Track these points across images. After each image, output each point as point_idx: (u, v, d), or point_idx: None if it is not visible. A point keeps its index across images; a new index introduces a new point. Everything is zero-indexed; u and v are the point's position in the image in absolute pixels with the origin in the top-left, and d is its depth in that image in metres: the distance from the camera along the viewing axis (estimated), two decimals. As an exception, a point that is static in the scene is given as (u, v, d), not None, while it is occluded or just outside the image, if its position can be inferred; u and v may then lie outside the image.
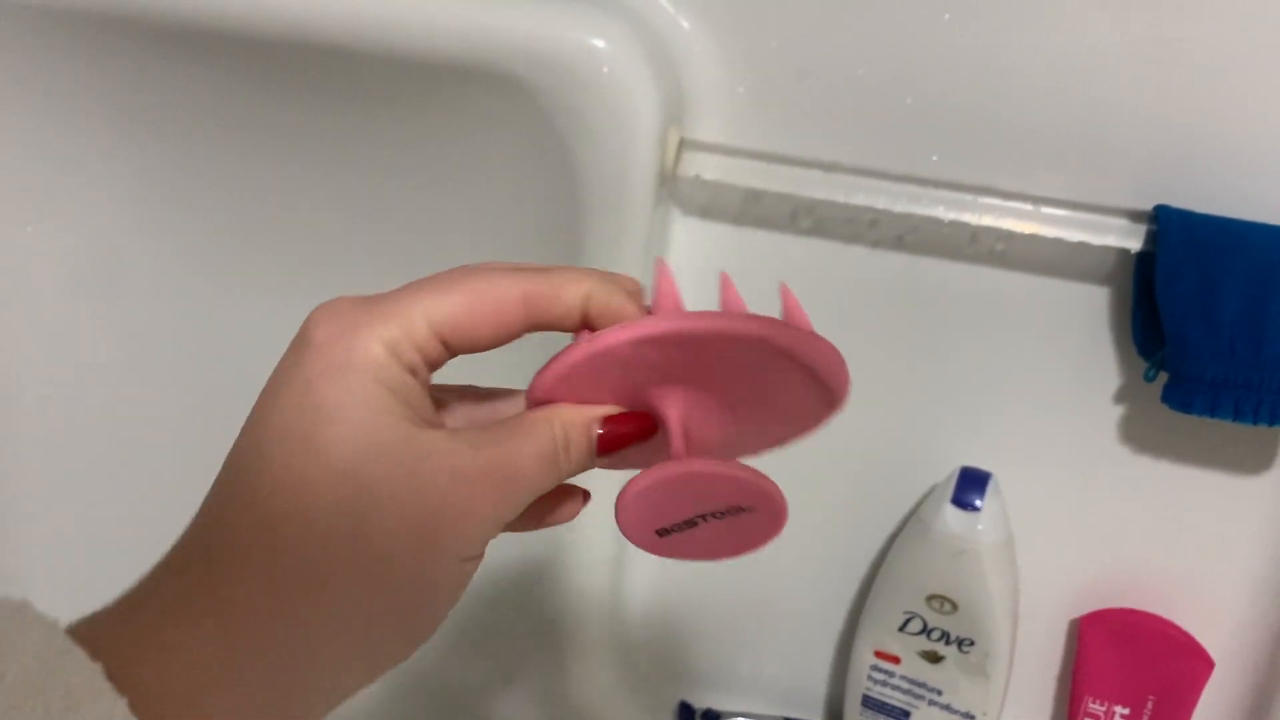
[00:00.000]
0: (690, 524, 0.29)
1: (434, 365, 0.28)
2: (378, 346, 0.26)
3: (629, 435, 0.29)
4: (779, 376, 0.28)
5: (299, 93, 0.55)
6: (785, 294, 0.29)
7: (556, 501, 0.31)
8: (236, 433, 0.27)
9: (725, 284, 0.30)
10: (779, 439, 0.31)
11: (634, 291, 0.29)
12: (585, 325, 0.28)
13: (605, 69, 0.47)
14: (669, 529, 0.29)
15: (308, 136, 0.57)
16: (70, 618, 0.23)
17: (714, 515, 0.29)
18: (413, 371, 0.27)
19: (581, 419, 0.28)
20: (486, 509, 0.26)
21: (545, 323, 0.28)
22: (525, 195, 0.53)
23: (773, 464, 0.59)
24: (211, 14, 0.50)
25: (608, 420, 0.29)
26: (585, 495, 0.32)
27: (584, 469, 0.29)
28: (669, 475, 0.27)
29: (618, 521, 0.29)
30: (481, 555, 0.27)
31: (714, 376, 0.28)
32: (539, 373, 0.28)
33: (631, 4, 0.50)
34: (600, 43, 0.47)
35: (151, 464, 0.63)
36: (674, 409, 0.29)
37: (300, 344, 0.26)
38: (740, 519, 0.29)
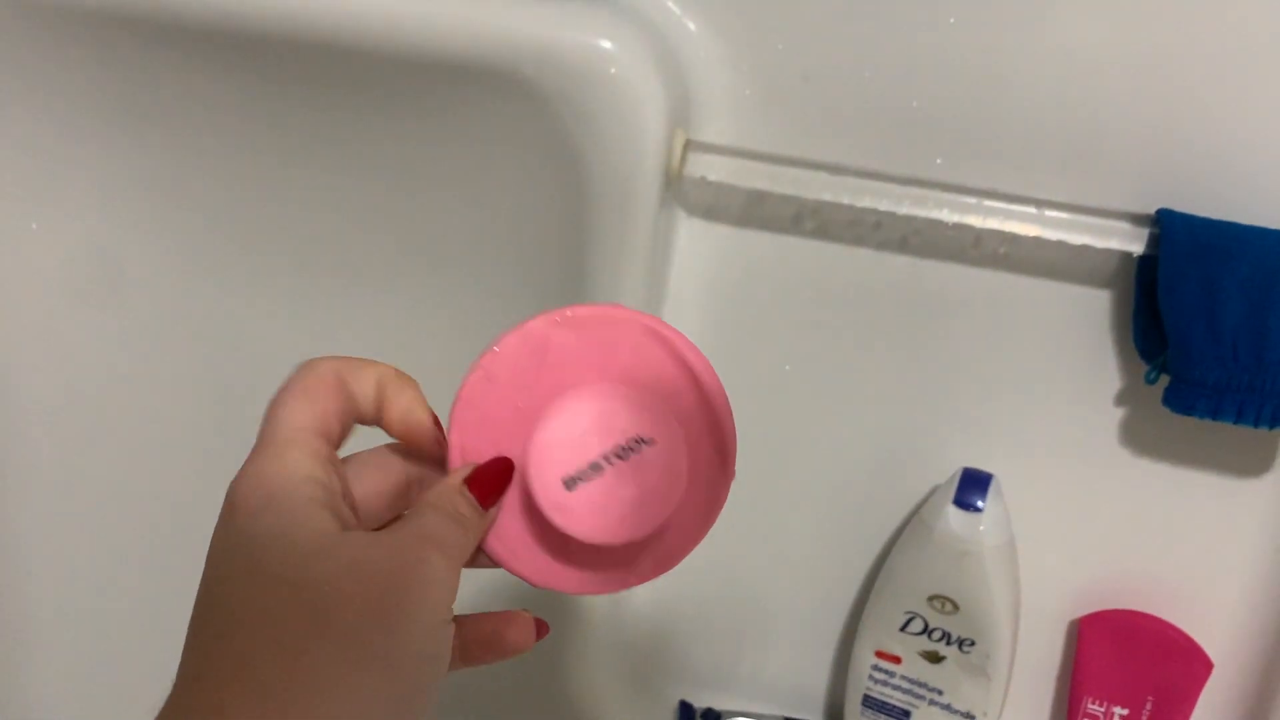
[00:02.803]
0: (595, 469, 0.30)
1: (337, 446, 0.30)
2: (295, 467, 0.28)
3: (496, 479, 0.31)
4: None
5: (305, 92, 0.55)
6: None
7: (503, 627, 0.32)
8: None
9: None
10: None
11: (416, 386, 0.32)
12: (379, 412, 0.31)
13: (612, 70, 0.47)
14: (575, 477, 0.30)
15: (312, 136, 0.57)
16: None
17: (615, 454, 0.30)
18: (332, 465, 0.29)
19: (449, 492, 0.30)
20: (436, 570, 0.28)
21: (351, 395, 0.31)
22: (531, 195, 0.54)
23: (775, 464, 0.59)
24: (215, 12, 0.50)
25: (471, 480, 0.30)
26: (539, 623, 0.33)
27: (487, 525, 0.31)
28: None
29: (527, 480, 0.30)
30: (450, 617, 0.28)
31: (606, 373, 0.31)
32: (449, 431, 0.31)
33: (639, 6, 0.50)
34: (607, 44, 0.47)
35: (154, 463, 0.63)
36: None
37: (228, 502, 0.28)
38: (644, 460, 0.30)
